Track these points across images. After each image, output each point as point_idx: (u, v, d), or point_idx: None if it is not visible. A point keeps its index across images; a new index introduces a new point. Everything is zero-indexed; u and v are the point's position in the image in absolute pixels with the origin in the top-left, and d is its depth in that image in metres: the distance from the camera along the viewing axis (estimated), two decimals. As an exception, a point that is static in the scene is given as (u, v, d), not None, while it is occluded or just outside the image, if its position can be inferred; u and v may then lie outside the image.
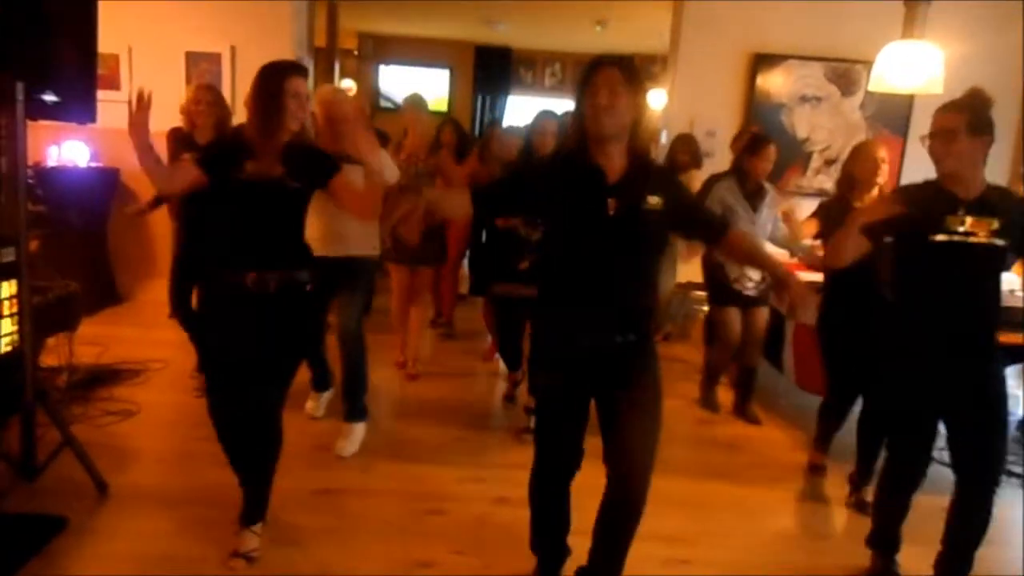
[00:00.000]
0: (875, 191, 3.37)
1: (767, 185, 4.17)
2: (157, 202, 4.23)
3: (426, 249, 4.25)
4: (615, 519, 2.30)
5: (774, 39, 5.90)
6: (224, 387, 2.60)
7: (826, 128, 6.00)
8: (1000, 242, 2.40)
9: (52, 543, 2.60)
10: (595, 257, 2.15)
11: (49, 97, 2.69)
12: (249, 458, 2.64)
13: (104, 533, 2.71)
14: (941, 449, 2.66)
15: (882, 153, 3.40)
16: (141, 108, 2.47)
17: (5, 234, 2.50)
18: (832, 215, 3.38)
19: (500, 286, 3.94)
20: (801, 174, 5.98)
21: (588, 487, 2.32)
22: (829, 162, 5.97)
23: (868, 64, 4.90)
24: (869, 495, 3.19)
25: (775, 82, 5.92)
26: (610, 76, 2.09)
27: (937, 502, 2.65)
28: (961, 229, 2.39)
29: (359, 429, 3.56)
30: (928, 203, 2.45)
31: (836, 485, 3.48)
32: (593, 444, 2.30)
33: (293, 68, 2.54)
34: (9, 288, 2.49)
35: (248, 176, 2.47)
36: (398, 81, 10.71)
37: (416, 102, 4.72)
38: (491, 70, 10.82)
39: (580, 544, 2.41)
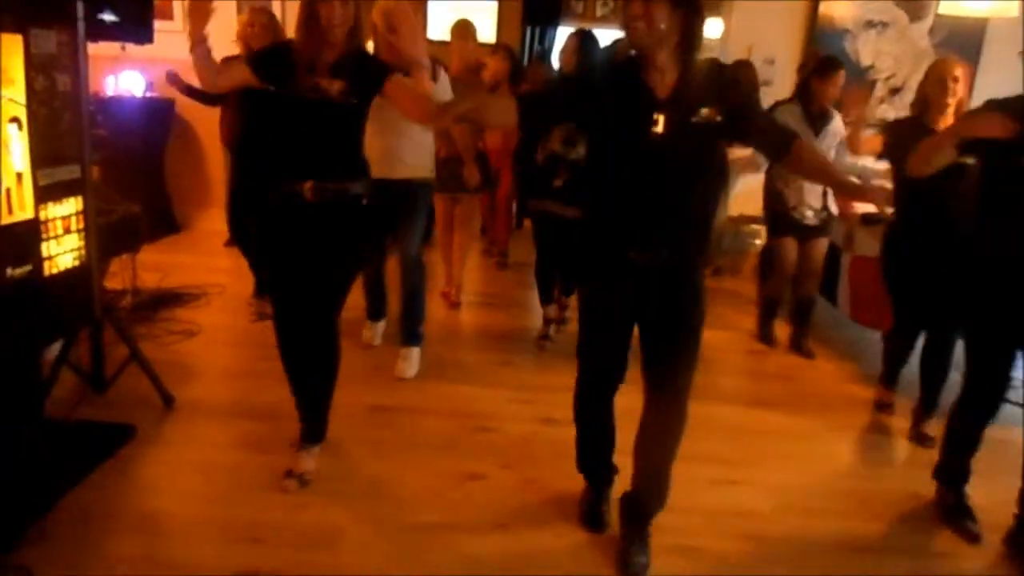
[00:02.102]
0: (949, 112, 3.23)
1: (832, 110, 4.06)
2: (191, 91, 4.26)
3: (461, 175, 4.24)
4: (654, 439, 2.31)
5: (839, -39, 5.64)
6: (287, 300, 2.64)
7: (892, 55, 5.75)
8: None
9: (122, 449, 2.74)
10: (642, 173, 2.12)
11: (108, 16, 2.72)
12: (310, 374, 2.68)
13: (170, 442, 2.84)
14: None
15: (956, 72, 3.22)
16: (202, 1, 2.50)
17: (69, 152, 2.56)
18: (903, 134, 3.24)
19: (535, 202, 3.97)
20: (864, 103, 5.77)
21: (634, 412, 2.33)
22: (894, 91, 5.74)
23: (939, -12, 4.69)
24: (931, 428, 3.17)
25: (839, 7, 5.67)
26: None
27: (1006, 435, 2.58)
28: None
29: (416, 352, 3.64)
30: None
31: (894, 417, 3.44)
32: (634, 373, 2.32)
33: None
34: (76, 204, 2.57)
35: (303, 91, 2.48)
36: (446, 13, 10.53)
37: (463, 28, 4.67)
38: (540, 1, 10.55)
39: (627, 465, 2.41)
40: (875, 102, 5.79)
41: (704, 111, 2.07)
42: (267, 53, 2.70)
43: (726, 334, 4.40)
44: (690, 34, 2.04)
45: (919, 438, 3.25)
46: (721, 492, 2.76)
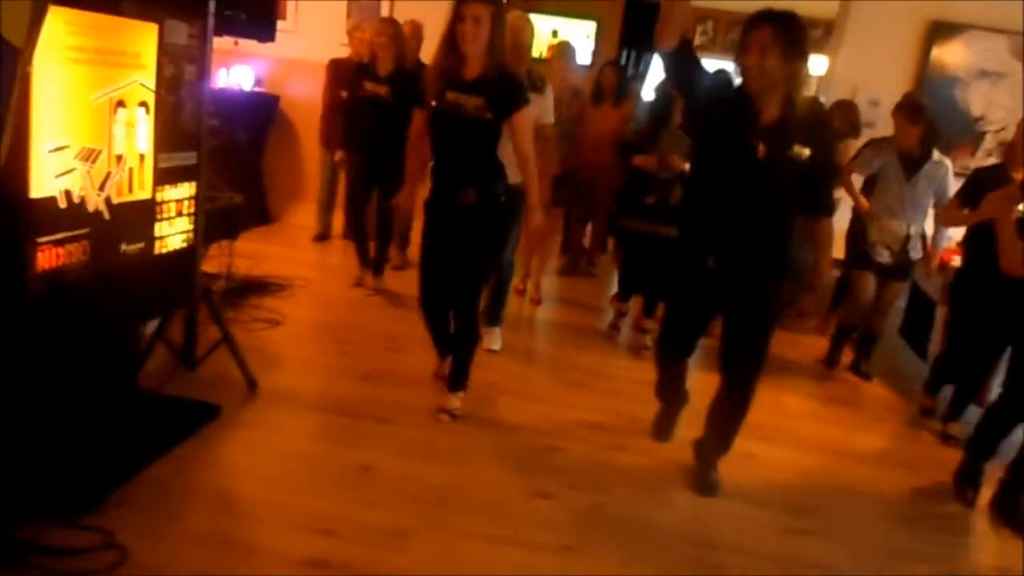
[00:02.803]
0: None
1: (937, 156, 3.98)
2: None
3: (552, 190, 4.33)
4: (722, 410, 2.80)
5: (955, 6, 5.48)
6: (432, 284, 3.11)
7: (1004, 107, 5.54)
8: None
9: (206, 428, 2.83)
10: (738, 188, 2.48)
11: (235, 13, 2.85)
12: (451, 341, 3.21)
13: (251, 425, 2.92)
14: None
15: None
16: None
17: (188, 139, 2.67)
18: (984, 181, 3.39)
19: (627, 220, 4.15)
20: (971, 155, 5.56)
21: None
22: (1004, 144, 5.51)
23: (1061, 39, 4.50)
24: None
25: (952, 53, 5.50)
26: (761, 36, 2.33)
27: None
28: None
29: (498, 331, 4.05)
30: None
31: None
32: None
33: None
34: (189, 189, 2.68)
35: (448, 107, 2.81)
36: (545, 32, 10.62)
37: (565, 50, 4.71)
38: (640, 25, 10.53)
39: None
40: (983, 154, 5.58)
41: (797, 148, 2.42)
42: (419, 87, 3.02)
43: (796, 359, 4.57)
44: (796, 80, 2.40)
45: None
46: (794, 541, 2.68)
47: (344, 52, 5.41)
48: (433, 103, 2.87)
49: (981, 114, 5.58)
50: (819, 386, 4.28)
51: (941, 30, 5.48)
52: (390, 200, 3.51)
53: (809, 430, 3.64)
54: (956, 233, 4.28)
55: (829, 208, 2.71)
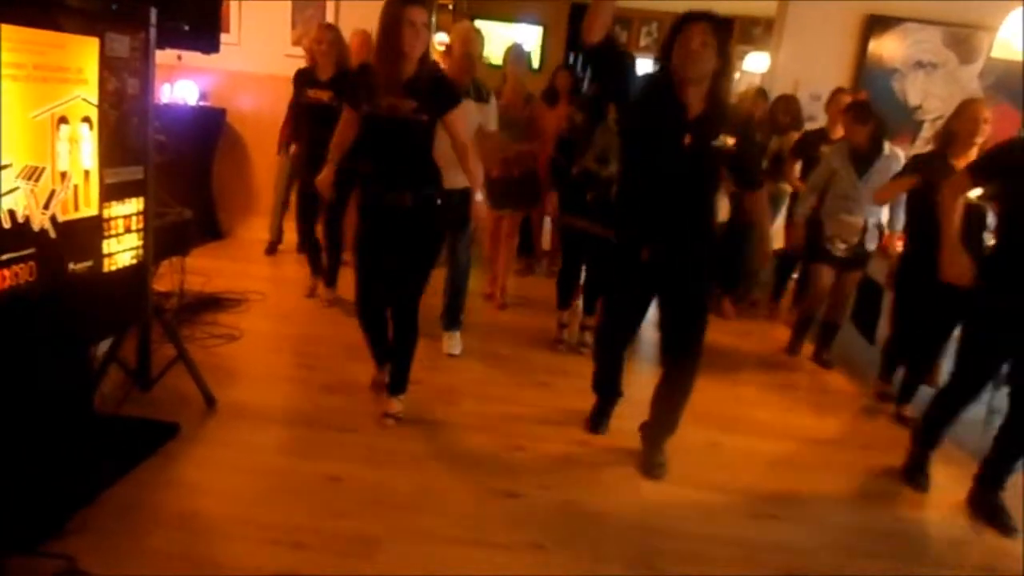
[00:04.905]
0: (973, 151, 3.33)
1: (889, 149, 4.12)
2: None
3: (512, 193, 4.50)
4: (667, 392, 2.93)
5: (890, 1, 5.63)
6: (370, 288, 3.09)
7: (940, 97, 5.73)
8: None
9: (165, 447, 2.78)
10: (667, 178, 2.63)
11: (178, 25, 2.80)
12: (390, 344, 3.17)
13: (212, 442, 2.87)
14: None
15: (986, 114, 3.34)
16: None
17: (134, 154, 2.62)
18: (931, 171, 3.48)
19: (567, 217, 4.20)
20: (910, 143, 5.73)
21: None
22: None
23: (991, 30, 4.67)
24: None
25: (889, 46, 5.67)
26: (702, 28, 2.48)
27: None
28: None
29: (458, 335, 4.07)
30: None
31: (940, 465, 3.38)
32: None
33: None
34: (137, 204, 2.63)
35: (384, 111, 2.80)
36: (491, 38, 10.66)
37: (518, 55, 4.75)
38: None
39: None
40: (921, 143, 5.75)
41: (726, 139, 2.59)
42: (351, 86, 3.03)
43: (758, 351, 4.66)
44: (721, 77, 2.57)
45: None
46: (760, 526, 2.73)
47: (290, 64, 5.35)
48: (367, 107, 2.85)
49: (918, 104, 5.75)
50: (778, 375, 4.35)
51: (877, 24, 5.64)
52: (341, 208, 3.49)
53: (770, 417, 3.70)
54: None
55: (759, 183, 2.94)
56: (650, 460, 2.97)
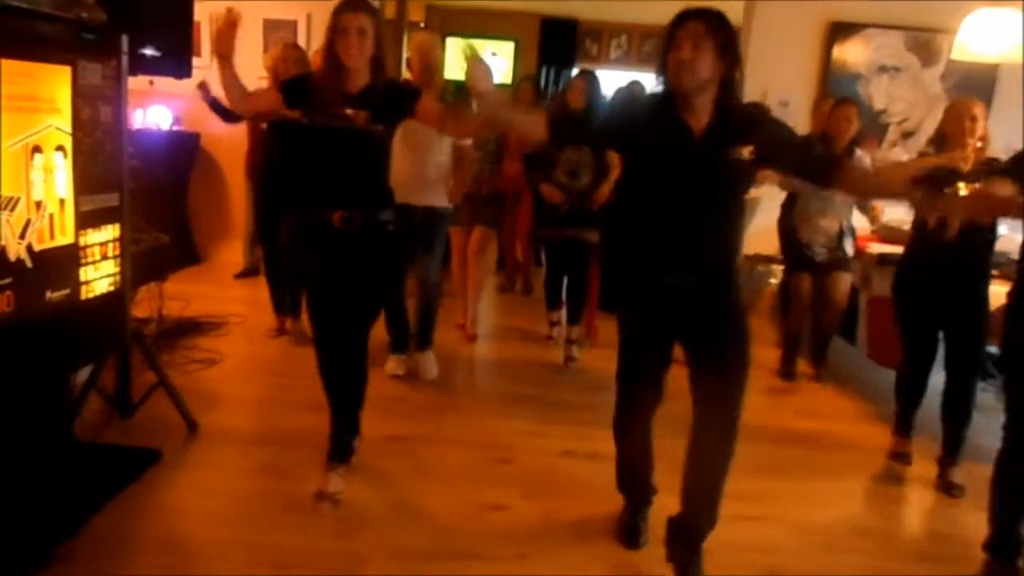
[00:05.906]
0: (969, 152, 3.27)
1: (859, 154, 4.18)
2: (215, 105, 4.51)
3: (480, 210, 4.44)
4: (704, 457, 2.33)
5: (852, 6, 5.73)
6: (325, 316, 2.72)
7: (905, 99, 5.83)
8: None
9: (148, 473, 2.77)
10: (678, 204, 2.21)
11: (149, 51, 2.82)
12: (344, 389, 2.77)
13: (195, 467, 2.87)
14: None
15: (975, 112, 3.26)
16: (229, 23, 2.52)
17: (109, 181, 2.63)
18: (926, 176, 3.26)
19: (543, 230, 4.28)
20: (876, 146, 5.84)
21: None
22: (907, 135, 5.81)
23: (950, 34, 4.77)
24: (957, 475, 3.14)
25: (852, 51, 5.77)
26: (695, 29, 2.08)
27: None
28: None
29: (432, 355, 3.96)
30: None
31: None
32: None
33: (347, 4, 2.53)
34: (113, 231, 2.63)
35: (329, 120, 2.56)
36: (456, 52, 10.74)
37: (477, 58, 4.78)
38: (556, 43, 10.74)
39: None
40: (887, 145, 5.86)
41: (742, 150, 2.15)
42: (295, 81, 2.76)
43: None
44: (730, 80, 2.16)
45: (947, 488, 3.14)
46: (744, 527, 2.76)
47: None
48: (308, 119, 2.62)
49: (883, 107, 5.86)
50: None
51: (840, 30, 5.75)
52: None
53: (755, 419, 3.72)
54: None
55: (834, 157, 2.79)
56: (688, 571, 2.36)
